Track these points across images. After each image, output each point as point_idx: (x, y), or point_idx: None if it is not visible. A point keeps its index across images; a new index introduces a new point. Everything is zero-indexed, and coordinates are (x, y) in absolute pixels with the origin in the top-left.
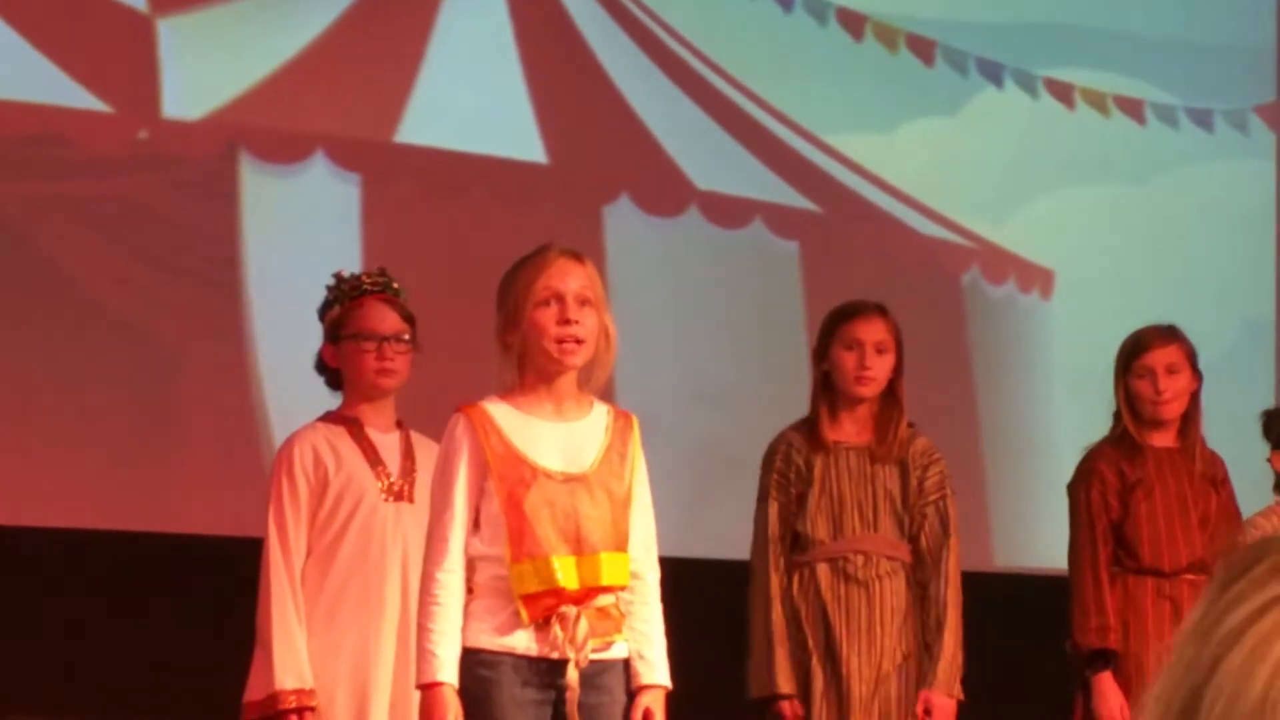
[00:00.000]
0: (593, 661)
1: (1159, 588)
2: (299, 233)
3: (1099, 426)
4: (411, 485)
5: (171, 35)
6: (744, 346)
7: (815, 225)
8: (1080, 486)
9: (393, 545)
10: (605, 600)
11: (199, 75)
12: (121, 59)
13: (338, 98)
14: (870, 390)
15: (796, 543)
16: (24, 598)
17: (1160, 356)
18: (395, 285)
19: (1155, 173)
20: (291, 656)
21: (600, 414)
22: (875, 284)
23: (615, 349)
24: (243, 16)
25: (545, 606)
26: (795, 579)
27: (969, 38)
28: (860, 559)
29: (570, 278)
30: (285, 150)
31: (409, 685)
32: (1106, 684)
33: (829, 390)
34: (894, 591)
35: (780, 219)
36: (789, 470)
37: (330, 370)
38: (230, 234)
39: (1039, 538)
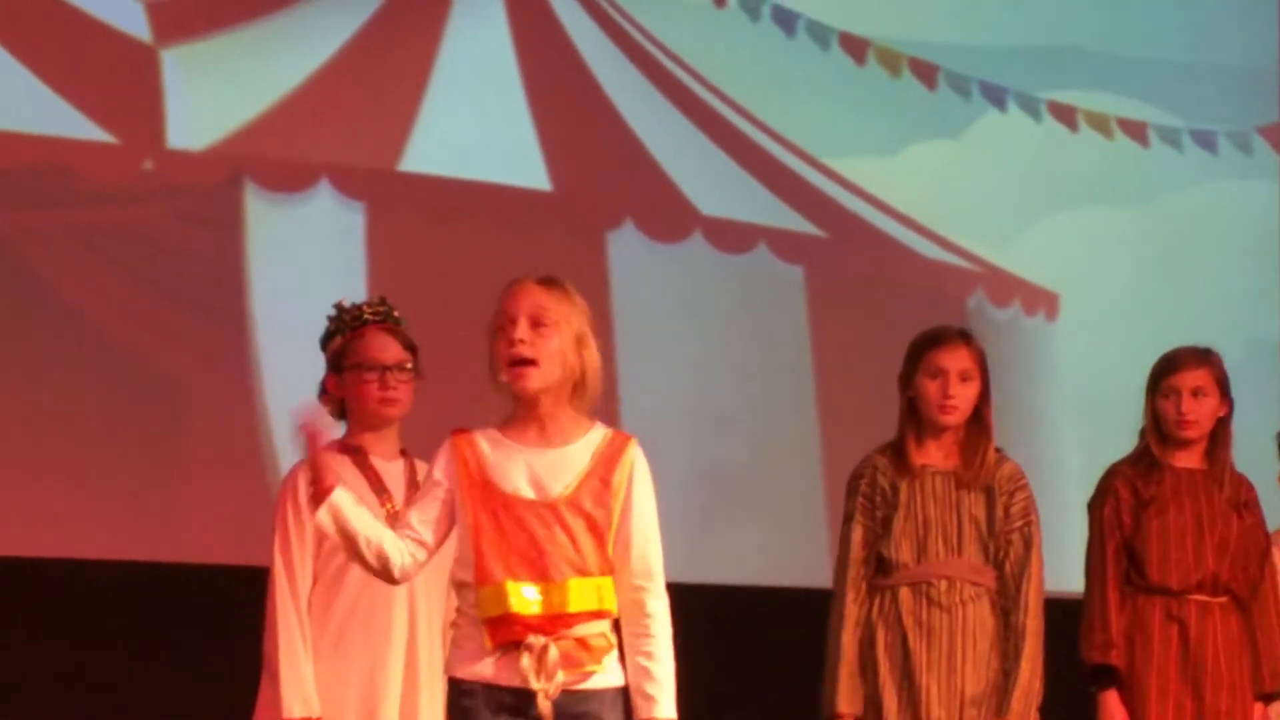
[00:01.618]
0: (570, 692)
1: (1167, 608)
2: (304, 261)
3: (1104, 448)
4: None
5: (175, 66)
6: (749, 371)
7: (819, 249)
8: (1096, 503)
9: None
10: (585, 629)
11: (203, 105)
12: (126, 90)
13: (342, 127)
14: (954, 418)
15: (880, 566)
16: (28, 628)
17: (1188, 379)
18: (396, 314)
19: (1159, 194)
20: (298, 684)
21: (592, 439)
22: (880, 308)
23: (594, 372)
24: (246, 46)
25: (507, 633)
26: (876, 603)
27: (971, 61)
28: (944, 584)
29: (523, 299)
30: (290, 179)
31: (416, 711)
32: (1110, 701)
33: (914, 416)
34: (977, 618)
35: (784, 243)
36: (874, 493)
37: (334, 400)
38: (235, 263)
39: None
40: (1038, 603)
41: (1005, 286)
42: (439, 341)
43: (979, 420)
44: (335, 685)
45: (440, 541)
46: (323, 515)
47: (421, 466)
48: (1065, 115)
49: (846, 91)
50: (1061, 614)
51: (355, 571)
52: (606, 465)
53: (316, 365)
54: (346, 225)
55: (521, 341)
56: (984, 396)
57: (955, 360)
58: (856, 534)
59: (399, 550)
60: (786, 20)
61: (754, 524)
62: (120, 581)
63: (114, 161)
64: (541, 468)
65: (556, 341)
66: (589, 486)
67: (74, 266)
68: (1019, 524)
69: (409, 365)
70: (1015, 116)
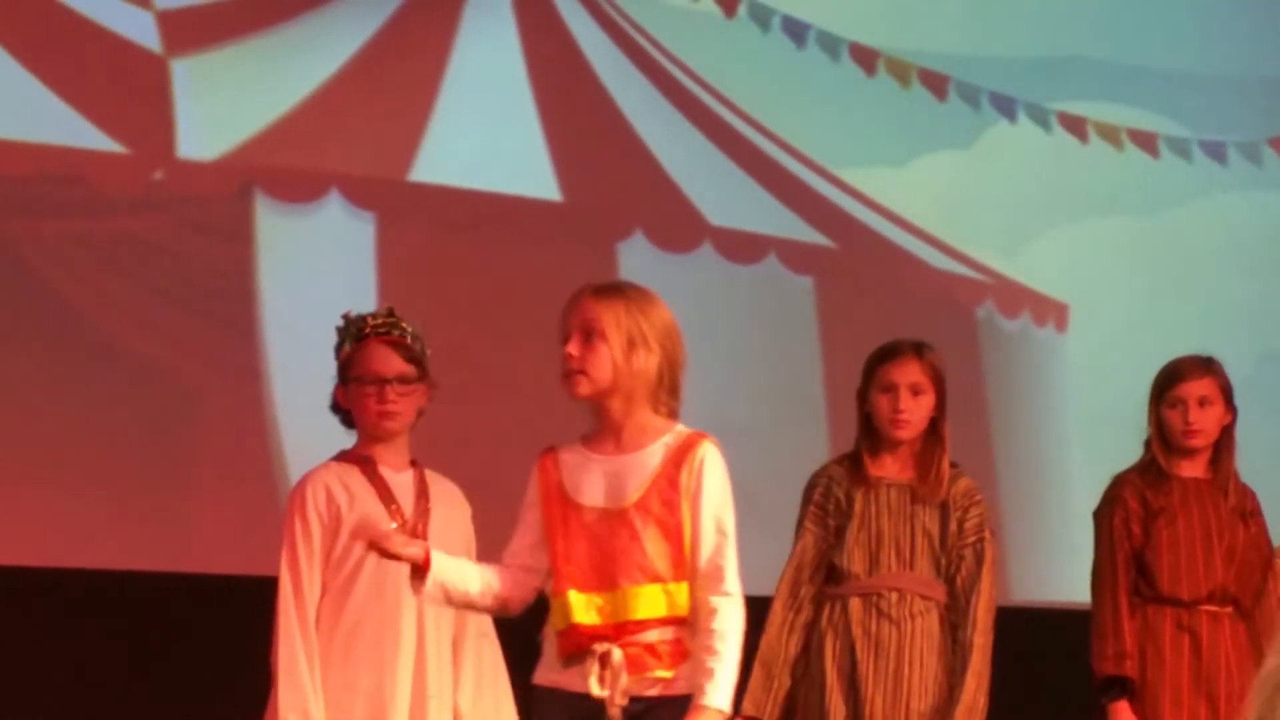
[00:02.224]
0: (637, 699)
1: (1178, 618)
2: (314, 272)
3: (1114, 459)
4: (425, 523)
5: (186, 76)
6: (759, 382)
7: (829, 260)
8: (1104, 513)
9: (407, 585)
10: (650, 635)
11: (213, 115)
12: (136, 100)
13: (352, 137)
14: (906, 432)
15: (831, 575)
16: (39, 638)
17: (1193, 388)
18: (404, 326)
19: (1169, 205)
20: (296, 694)
21: (666, 441)
22: (889, 318)
23: (646, 375)
24: (256, 56)
25: (573, 643)
26: (825, 611)
27: (981, 72)
28: (894, 596)
29: (576, 312)
30: (300, 189)
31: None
32: (1123, 713)
33: (870, 430)
34: (925, 632)
35: (794, 254)
36: (828, 502)
37: (343, 410)
38: (245, 273)
39: (1055, 571)
40: (986, 619)
41: (1015, 297)
42: (449, 351)
43: (935, 434)
44: (344, 694)
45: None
46: (431, 592)
47: (433, 476)
48: (1075, 126)
49: (856, 102)
50: (1073, 626)
51: (364, 582)
52: (674, 466)
53: (327, 375)
54: (356, 235)
55: (570, 355)
56: (939, 410)
57: (905, 374)
58: (806, 541)
59: (513, 585)
60: (796, 31)
61: (764, 535)
62: (131, 591)
63: (124, 171)
64: (615, 475)
65: (606, 350)
66: (658, 489)
67: (84, 276)
68: (972, 539)
69: (411, 378)
70: (1025, 127)
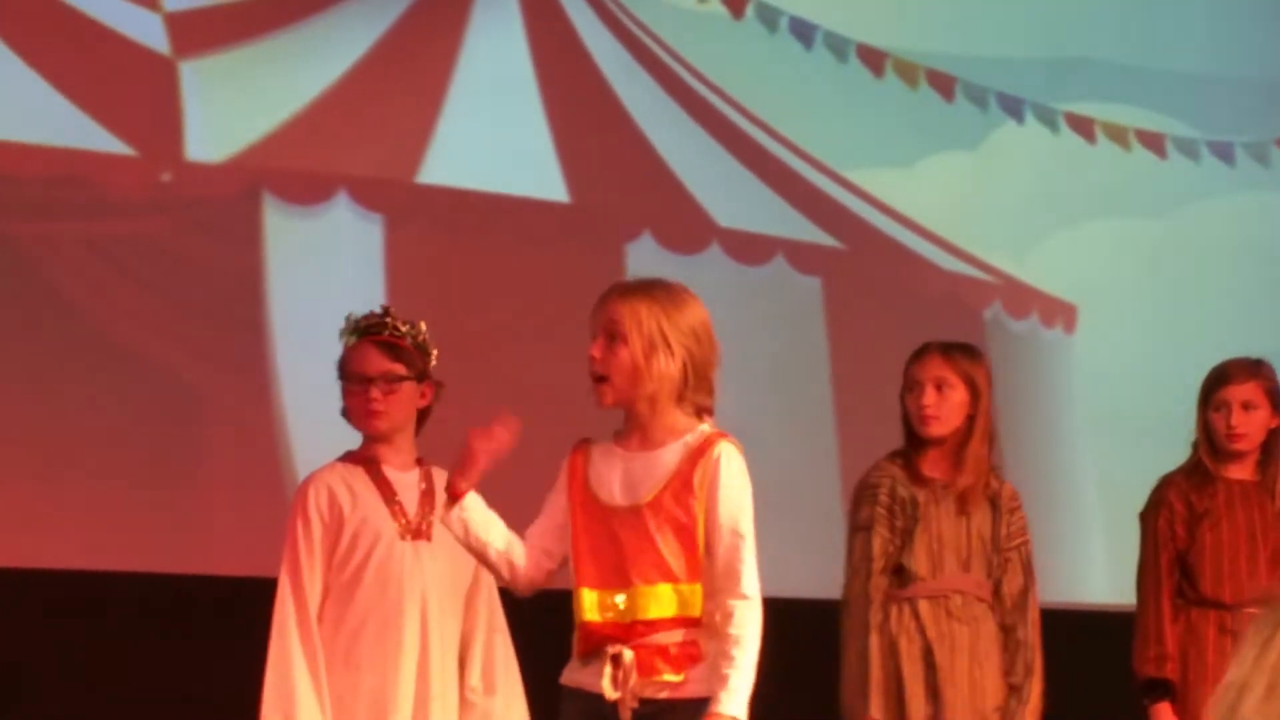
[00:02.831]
0: (649, 700)
1: (1221, 621)
2: (322, 273)
3: (1122, 460)
4: (430, 523)
5: (194, 78)
6: (767, 383)
7: (837, 261)
8: (1149, 515)
9: (411, 584)
10: (665, 637)
11: (221, 117)
12: (144, 102)
13: (360, 139)
14: (934, 429)
15: (897, 576)
16: (45, 639)
17: (1238, 392)
18: (399, 326)
19: (1177, 206)
20: (281, 696)
21: (687, 440)
22: (897, 319)
23: (668, 377)
24: (264, 59)
25: (587, 641)
26: (894, 613)
27: (989, 73)
28: (958, 599)
29: (600, 313)
30: (308, 191)
31: None
32: (1164, 715)
33: (910, 432)
34: (988, 633)
35: (802, 255)
36: (894, 503)
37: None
38: (253, 275)
39: (1062, 573)
40: (1038, 618)
41: (1023, 298)
42: (456, 351)
43: (971, 430)
44: (346, 695)
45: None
46: (452, 520)
47: (439, 475)
48: (1083, 127)
49: (864, 103)
50: (1081, 629)
51: (368, 583)
52: (690, 465)
53: (334, 377)
54: (365, 237)
55: (594, 359)
56: (973, 405)
57: (929, 370)
58: (876, 543)
59: (530, 562)
60: (804, 32)
61: (771, 536)
62: (138, 593)
63: (132, 173)
64: (634, 473)
65: (627, 353)
66: (672, 489)
67: (92, 278)
68: (1017, 542)
69: (398, 377)
70: (1033, 128)
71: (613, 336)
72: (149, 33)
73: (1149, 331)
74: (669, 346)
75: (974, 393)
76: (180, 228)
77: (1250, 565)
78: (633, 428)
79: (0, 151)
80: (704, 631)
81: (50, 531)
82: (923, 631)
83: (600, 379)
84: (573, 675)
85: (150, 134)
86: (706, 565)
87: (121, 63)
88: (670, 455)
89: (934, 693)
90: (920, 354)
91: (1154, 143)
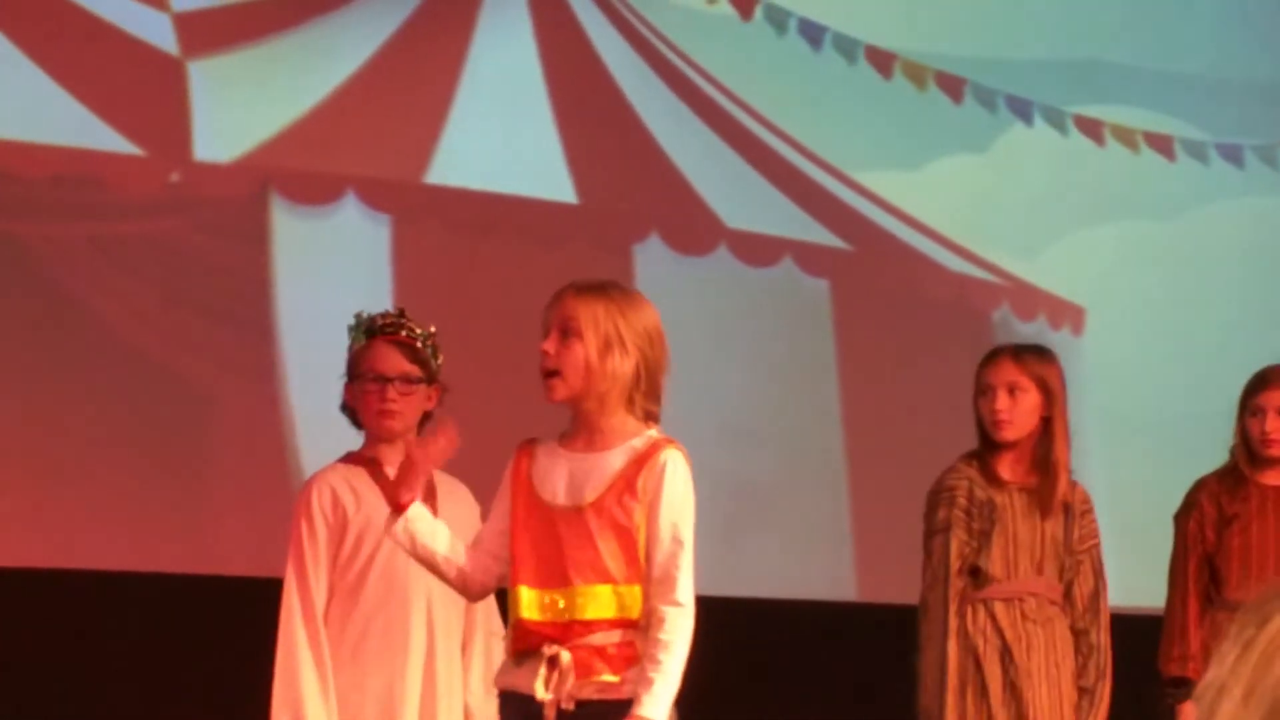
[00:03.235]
0: (584, 702)
1: None
2: (330, 274)
3: (1131, 462)
4: None
5: (202, 78)
6: (775, 385)
7: (845, 263)
8: (1181, 517)
9: (416, 584)
10: (602, 638)
11: (230, 118)
12: (153, 102)
13: (368, 139)
14: (1008, 433)
15: (973, 578)
16: (53, 640)
17: (1274, 398)
18: (414, 327)
19: (1185, 209)
20: (289, 696)
21: (633, 445)
22: (906, 321)
23: (620, 377)
24: (273, 59)
25: (523, 640)
26: (969, 615)
27: (998, 75)
28: (1033, 601)
29: (556, 309)
30: (316, 192)
31: None
32: (1188, 714)
33: (984, 436)
34: (1062, 635)
35: (810, 257)
36: (972, 505)
37: (350, 410)
38: (262, 275)
39: None
40: (1109, 621)
41: (1031, 300)
42: (463, 352)
43: (1048, 435)
44: (354, 695)
45: None
46: (398, 532)
47: (440, 476)
48: (1091, 129)
49: (872, 105)
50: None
51: (373, 583)
52: (635, 469)
53: (342, 377)
54: (373, 238)
55: (546, 354)
56: (1048, 407)
57: (1000, 374)
58: (954, 545)
59: (477, 566)
60: (813, 33)
61: (779, 537)
62: (145, 593)
63: (141, 173)
64: (579, 474)
65: (581, 350)
66: (615, 491)
67: (100, 278)
68: (1089, 545)
69: (414, 378)
70: (1041, 130)
71: (567, 333)
72: (157, 33)
73: (1157, 334)
74: (624, 346)
75: (1047, 395)
76: (188, 228)
77: (1278, 570)
78: (579, 429)
79: (8, 151)
80: (641, 634)
81: (57, 531)
82: (1000, 633)
83: (552, 374)
84: (507, 678)
85: (158, 134)
86: (645, 569)
87: (130, 63)
88: (616, 458)
89: (1015, 693)
90: (991, 358)
91: (1163, 145)
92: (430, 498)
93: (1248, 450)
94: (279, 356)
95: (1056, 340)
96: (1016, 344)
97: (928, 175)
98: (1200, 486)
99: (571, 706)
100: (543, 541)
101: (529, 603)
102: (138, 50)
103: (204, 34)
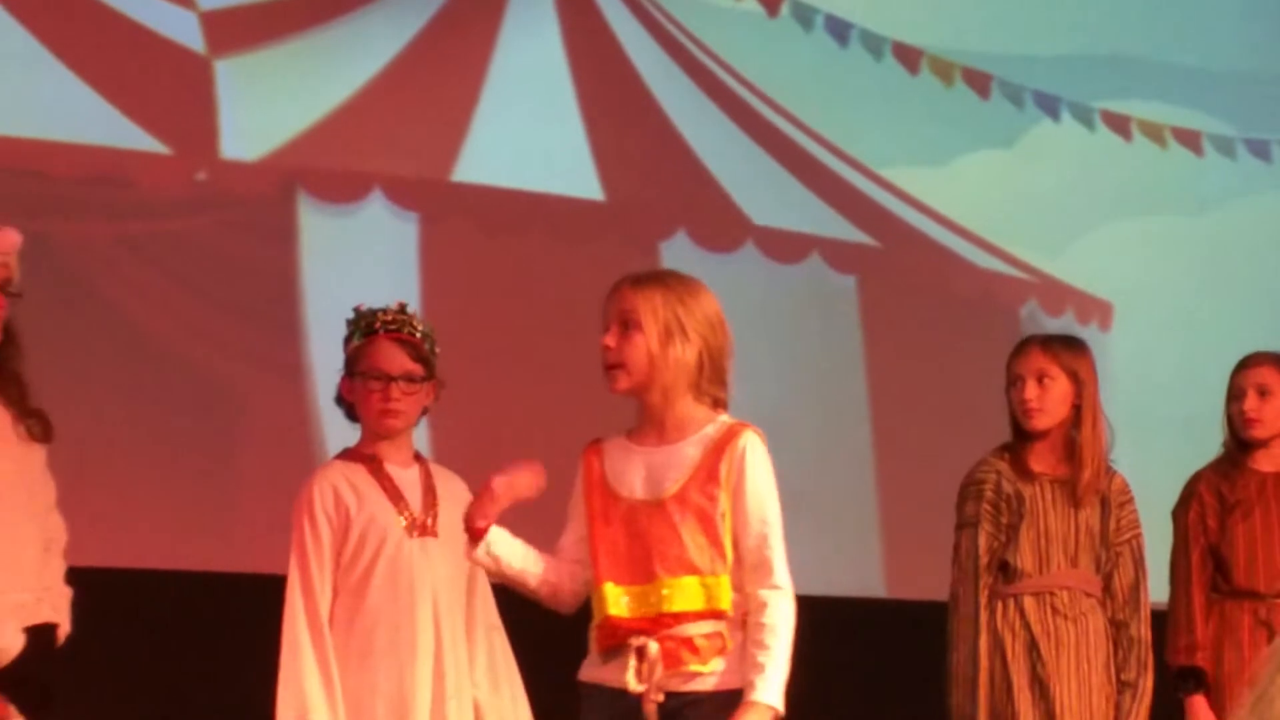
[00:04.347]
0: (674, 694)
1: (1255, 611)
2: (357, 271)
3: (1159, 457)
4: (434, 519)
5: (229, 76)
6: (802, 381)
7: (872, 259)
8: (1180, 509)
9: (421, 582)
10: (692, 629)
11: (257, 116)
12: (180, 100)
13: (395, 137)
14: (1038, 422)
15: (1003, 573)
16: (75, 637)
17: (1253, 376)
18: (415, 324)
19: (1213, 204)
20: (294, 694)
21: (707, 432)
22: (933, 317)
23: (684, 365)
24: (300, 57)
25: (609, 636)
26: (999, 610)
27: (1025, 70)
28: (1065, 595)
29: (615, 302)
30: (343, 190)
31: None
32: (1198, 706)
33: (1017, 427)
34: (1096, 629)
35: (837, 253)
36: (1000, 499)
37: (347, 404)
38: (289, 273)
39: None
40: (1149, 614)
41: (1058, 296)
42: (490, 349)
43: (1080, 424)
44: (364, 696)
45: None
46: (481, 556)
47: (439, 471)
48: (1119, 124)
49: (899, 101)
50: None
51: (378, 583)
52: (714, 457)
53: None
54: (399, 235)
55: (607, 347)
56: (1078, 395)
57: (1029, 364)
58: (982, 539)
59: (567, 575)
60: (839, 30)
61: (807, 534)
62: (172, 590)
63: (168, 172)
64: (656, 467)
65: (642, 341)
66: (696, 481)
67: (128, 276)
68: (1128, 536)
69: (417, 377)
70: (1069, 126)
71: (627, 325)
72: (185, 31)
73: (1185, 329)
74: (685, 334)
75: (1077, 384)
76: (215, 226)
77: None
78: (648, 422)
79: (36, 150)
80: (729, 624)
81: (84, 529)
82: (1028, 628)
83: (614, 366)
84: (592, 671)
85: (186, 132)
86: (734, 557)
87: (157, 61)
88: (691, 448)
89: (1042, 690)
90: (1021, 348)
91: (1190, 140)
92: (430, 494)
93: (1235, 437)
94: (306, 354)
95: (1084, 336)
96: (1046, 334)
97: (955, 171)
98: (1197, 478)
99: (661, 698)
100: (625, 537)
101: (616, 599)
102: (165, 49)
103: (231, 32)
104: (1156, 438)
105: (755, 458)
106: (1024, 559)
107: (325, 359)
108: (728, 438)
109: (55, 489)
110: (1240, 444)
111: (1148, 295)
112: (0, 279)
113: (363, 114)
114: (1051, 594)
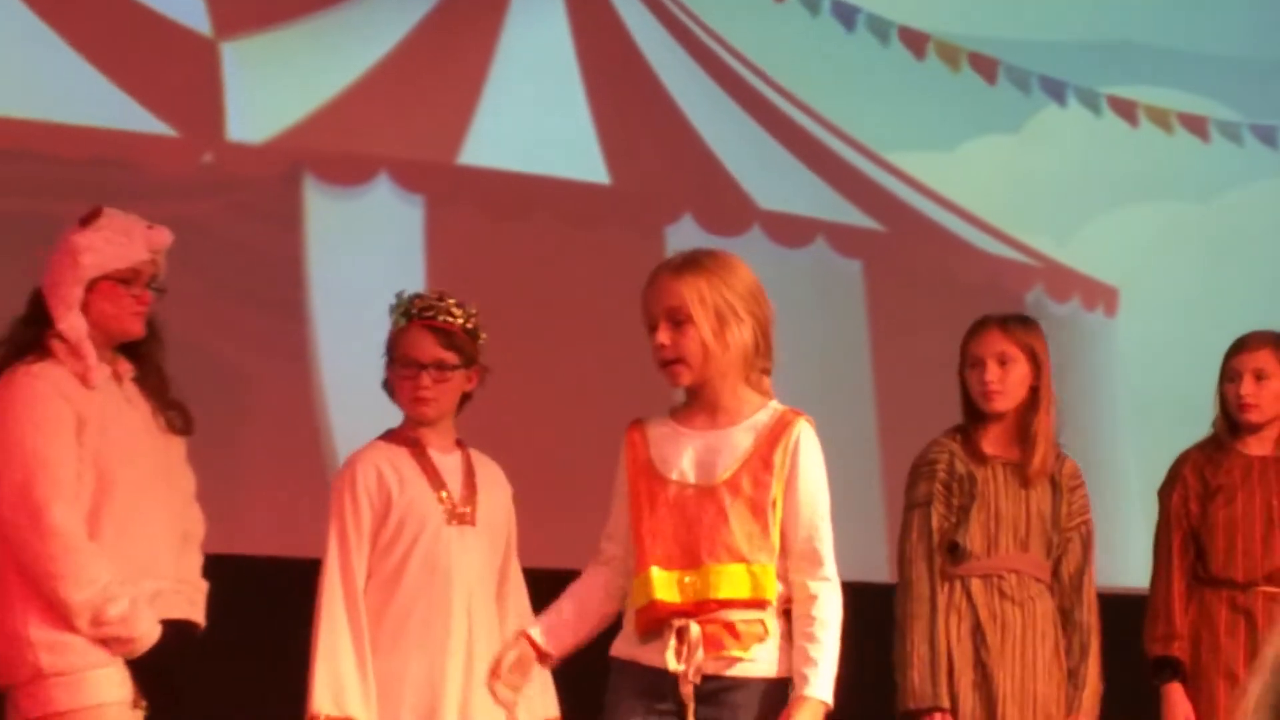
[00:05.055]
0: (712, 677)
1: (1233, 600)
2: (363, 255)
3: (1164, 443)
4: (474, 508)
5: (235, 59)
6: (806, 366)
7: (878, 244)
8: (1165, 491)
9: (457, 571)
10: (735, 615)
11: (263, 99)
12: (186, 83)
13: (401, 120)
14: (997, 404)
15: (951, 554)
16: None
17: (1248, 360)
18: (453, 311)
19: (1220, 189)
20: (331, 680)
21: (759, 419)
22: (938, 302)
23: (743, 347)
24: (306, 40)
25: (651, 619)
26: (945, 591)
27: (1031, 55)
28: (1014, 578)
29: (659, 298)
30: (349, 173)
31: (474, 711)
32: (1174, 694)
33: (972, 409)
34: (1043, 614)
35: (843, 238)
36: (952, 480)
37: (391, 389)
38: (295, 256)
39: (1102, 556)
40: (1095, 599)
41: (1064, 281)
42: (496, 333)
43: (1035, 406)
44: (394, 683)
45: None
46: (555, 660)
47: (479, 458)
48: (1125, 110)
49: (906, 86)
50: (1118, 611)
51: (412, 570)
52: (769, 444)
53: (375, 358)
54: (406, 218)
55: (663, 346)
56: (1035, 376)
57: (989, 345)
58: (934, 520)
59: (617, 585)
60: (846, 14)
61: None
62: None
63: (174, 155)
64: (707, 451)
65: (696, 333)
66: (750, 468)
67: None
68: (1078, 521)
69: (449, 365)
70: (1075, 111)
71: (677, 321)
72: (191, 13)
73: (1191, 315)
74: (737, 315)
75: (1035, 364)
76: (221, 209)
77: (1265, 544)
78: (698, 405)
79: (42, 132)
80: (772, 612)
81: None
82: (974, 611)
83: (674, 362)
84: (628, 648)
85: (191, 115)
86: (784, 547)
87: (163, 44)
88: (744, 434)
89: (984, 674)
90: (978, 329)
91: (1197, 126)
92: (470, 479)
93: (1227, 418)
94: (312, 337)
95: (1090, 321)
96: (1002, 314)
97: (961, 156)
98: (1183, 459)
99: (698, 680)
100: (673, 522)
101: (662, 583)
102: (171, 31)
103: (237, 14)
104: (1161, 422)
105: (809, 448)
106: (973, 540)
107: (330, 342)
108: (782, 426)
109: (195, 481)
110: (1231, 426)
111: (1153, 281)
112: (149, 275)
113: (369, 97)
114: (1000, 577)
